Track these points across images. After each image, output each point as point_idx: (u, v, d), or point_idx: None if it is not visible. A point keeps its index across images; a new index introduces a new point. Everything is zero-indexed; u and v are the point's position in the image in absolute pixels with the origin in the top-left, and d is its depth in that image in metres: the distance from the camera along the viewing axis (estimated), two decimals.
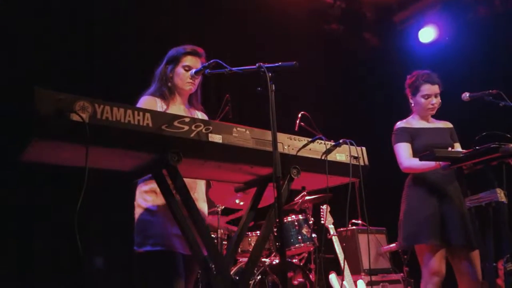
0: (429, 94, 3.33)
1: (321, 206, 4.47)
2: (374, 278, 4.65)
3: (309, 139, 2.20)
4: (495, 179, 2.73)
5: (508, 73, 5.20)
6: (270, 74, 2.00)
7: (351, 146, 2.30)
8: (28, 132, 1.61)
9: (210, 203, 3.66)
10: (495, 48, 5.70)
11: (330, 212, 4.44)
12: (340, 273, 4.23)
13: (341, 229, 4.68)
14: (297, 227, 4.19)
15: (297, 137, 2.17)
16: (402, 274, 4.76)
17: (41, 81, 1.66)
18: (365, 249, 4.86)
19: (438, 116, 3.47)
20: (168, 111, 2.46)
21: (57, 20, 4.39)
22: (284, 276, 2.02)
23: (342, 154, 2.27)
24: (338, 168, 2.25)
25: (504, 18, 5.86)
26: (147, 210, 2.39)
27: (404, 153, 3.26)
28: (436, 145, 3.07)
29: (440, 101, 3.37)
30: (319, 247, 4.28)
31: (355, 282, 4.15)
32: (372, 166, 2.36)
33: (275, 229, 3.91)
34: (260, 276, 3.76)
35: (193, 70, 2.52)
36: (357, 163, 2.29)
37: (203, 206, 2.59)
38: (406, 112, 3.53)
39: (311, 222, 4.29)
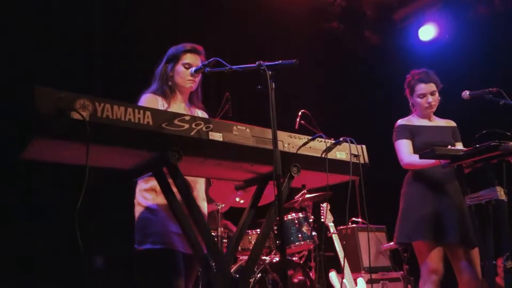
0: (424, 93, 3.34)
1: (321, 204, 4.48)
2: (374, 276, 4.66)
3: (309, 137, 2.20)
4: (495, 177, 2.73)
5: (508, 71, 5.20)
6: (270, 72, 2.00)
7: (351, 144, 2.30)
8: (28, 131, 1.61)
9: (210, 202, 3.67)
10: (495, 46, 5.71)
11: (330, 210, 4.44)
12: (340, 271, 4.24)
13: (341, 227, 4.69)
14: (297, 225, 4.19)
15: (297, 135, 2.17)
16: (402, 272, 4.77)
17: (41, 81, 1.66)
18: (365, 247, 4.86)
19: (440, 114, 3.47)
20: (169, 109, 2.46)
21: (57, 20, 4.39)
22: (284, 274, 2.03)
23: (342, 152, 2.28)
24: (338, 166, 2.25)
25: (504, 17, 5.86)
26: (147, 208, 2.39)
27: (404, 149, 3.27)
28: (436, 143, 3.07)
29: (439, 98, 3.37)
30: (319, 245, 4.29)
31: (355, 280, 4.15)
32: (372, 164, 2.36)
33: (275, 227, 3.91)
34: (260, 274, 3.77)
35: (193, 69, 2.52)
36: (357, 161, 2.29)
37: (202, 205, 2.59)
38: (406, 110, 3.53)
39: (311, 220, 4.29)
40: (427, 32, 6.64)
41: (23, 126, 1.67)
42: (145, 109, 1.79)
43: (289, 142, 2.12)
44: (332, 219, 4.41)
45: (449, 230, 3.06)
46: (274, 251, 4.15)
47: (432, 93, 3.34)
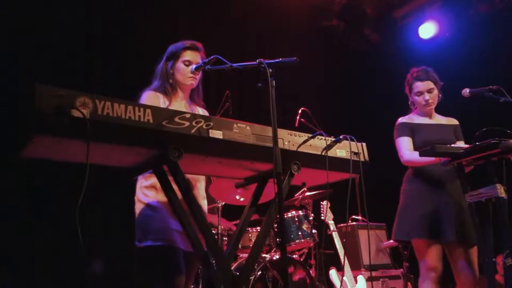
0: (421, 91, 3.34)
1: (321, 202, 4.48)
2: (374, 273, 4.67)
3: (310, 135, 2.20)
4: (495, 174, 2.73)
5: (508, 69, 5.20)
6: (270, 70, 2.00)
7: (352, 142, 2.30)
8: (28, 129, 1.61)
9: (210, 200, 3.67)
10: (495, 44, 5.71)
11: (330, 208, 4.45)
12: (340, 269, 4.25)
13: (341, 224, 4.69)
14: (297, 223, 4.19)
15: (297, 133, 2.17)
16: (402, 269, 4.77)
17: (41, 80, 1.65)
18: (365, 245, 4.87)
19: (441, 112, 3.47)
20: (171, 107, 2.46)
21: (57, 20, 4.39)
22: (284, 271, 2.02)
23: (342, 150, 2.28)
24: (339, 164, 2.25)
25: (504, 15, 5.86)
26: (147, 205, 2.40)
27: (405, 146, 3.27)
28: (436, 141, 3.07)
29: (438, 95, 3.36)
30: (319, 243, 4.29)
31: (355, 278, 4.16)
32: (372, 162, 2.37)
33: (275, 225, 3.91)
34: (260, 272, 3.77)
35: (193, 66, 2.52)
36: (358, 159, 2.29)
37: (202, 203, 2.59)
38: (406, 108, 3.53)
39: (311, 218, 4.29)
40: (427, 30, 6.64)
41: (24, 124, 1.67)
42: (146, 106, 1.79)
43: (289, 140, 2.12)
44: (332, 217, 4.41)
45: (446, 228, 3.06)
46: (274, 248, 4.16)
47: (429, 91, 3.33)
